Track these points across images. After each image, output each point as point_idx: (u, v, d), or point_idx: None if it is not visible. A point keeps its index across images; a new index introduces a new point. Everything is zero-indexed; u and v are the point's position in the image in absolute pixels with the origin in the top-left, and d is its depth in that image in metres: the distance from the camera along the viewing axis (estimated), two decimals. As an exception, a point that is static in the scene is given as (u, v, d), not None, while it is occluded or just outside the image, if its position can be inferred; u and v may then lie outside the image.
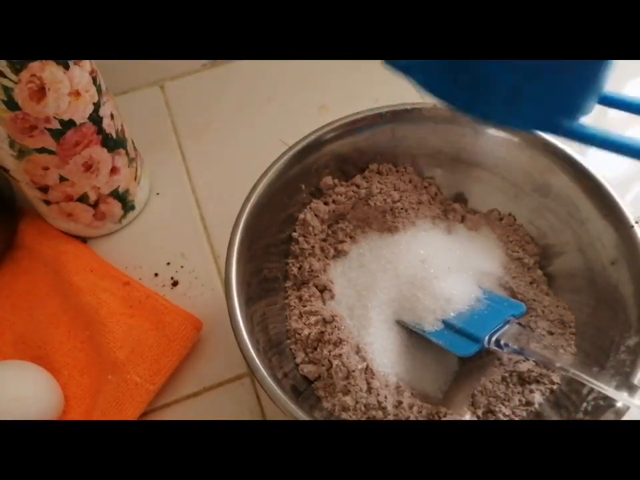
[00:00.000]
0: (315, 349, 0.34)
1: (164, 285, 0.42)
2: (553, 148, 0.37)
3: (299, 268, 0.38)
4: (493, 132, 0.38)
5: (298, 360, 0.34)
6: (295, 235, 0.39)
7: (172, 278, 0.42)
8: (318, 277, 0.37)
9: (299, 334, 0.35)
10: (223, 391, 0.38)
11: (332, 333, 0.34)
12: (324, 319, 0.35)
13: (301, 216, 0.39)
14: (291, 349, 0.35)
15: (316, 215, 0.39)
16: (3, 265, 0.42)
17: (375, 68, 0.54)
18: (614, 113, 0.55)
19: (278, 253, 0.38)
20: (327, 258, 0.39)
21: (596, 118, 0.56)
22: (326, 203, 0.40)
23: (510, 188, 0.40)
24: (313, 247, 0.38)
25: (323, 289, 0.37)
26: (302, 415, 0.28)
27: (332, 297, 0.37)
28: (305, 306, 0.36)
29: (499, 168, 0.40)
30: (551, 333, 0.35)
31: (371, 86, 0.53)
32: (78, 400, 0.36)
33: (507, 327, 0.32)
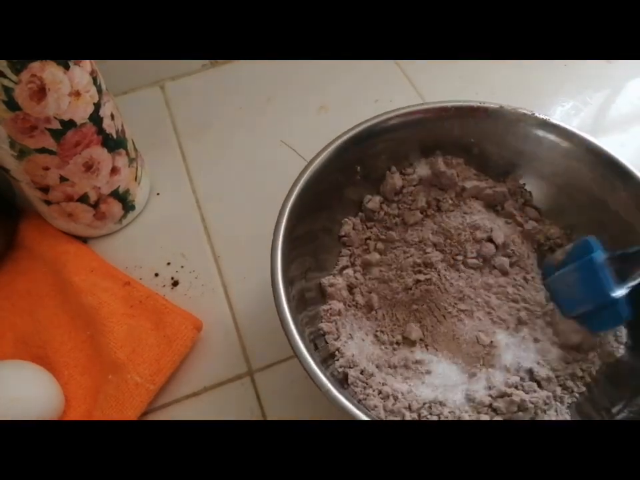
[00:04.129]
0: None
1: (164, 285, 0.42)
2: (616, 164, 0.36)
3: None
4: (556, 140, 0.38)
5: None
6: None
7: (172, 278, 0.42)
8: None
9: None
10: (223, 391, 0.38)
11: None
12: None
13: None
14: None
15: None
16: (4, 265, 0.42)
17: (375, 68, 0.55)
18: (613, 113, 0.55)
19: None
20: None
21: (595, 118, 0.56)
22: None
23: (565, 200, 0.39)
24: None
25: None
26: None
27: None
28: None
29: (555, 177, 0.39)
30: None
31: (371, 86, 0.54)
32: (78, 400, 0.36)
33: (609, 266, 0.31)
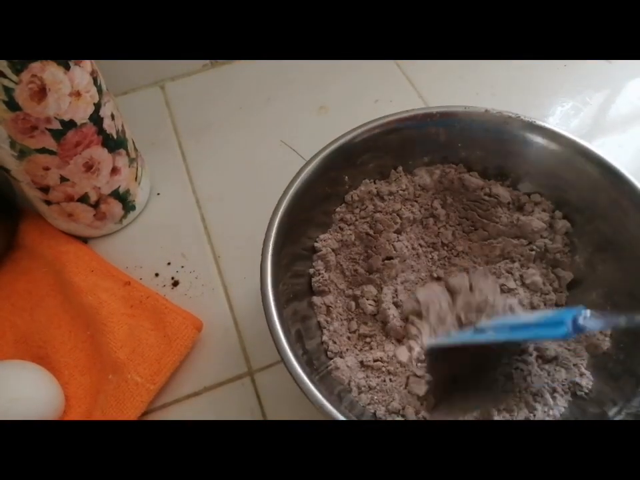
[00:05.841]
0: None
1: (164, 285, 0.42)
2: (605, 165, 0.36)
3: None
4: (542, 142, 0.38)
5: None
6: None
7: (172, 278, 0.42)
8: None
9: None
10: (223, 391, 0.38)
11: None
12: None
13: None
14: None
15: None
16: (4, 265, 0.42)
17: (375, 68, 0.55)
18: (613, 113, 0.55)
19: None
20: None
21: (594, 119, 0.56)
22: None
23: (559, 203, 0.39)
24: None
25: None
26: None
27: None
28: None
29: (545, 180, 0.39)
30: None
31: (370, 86, 0.54)
32: (78, 400, 0.36)
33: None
